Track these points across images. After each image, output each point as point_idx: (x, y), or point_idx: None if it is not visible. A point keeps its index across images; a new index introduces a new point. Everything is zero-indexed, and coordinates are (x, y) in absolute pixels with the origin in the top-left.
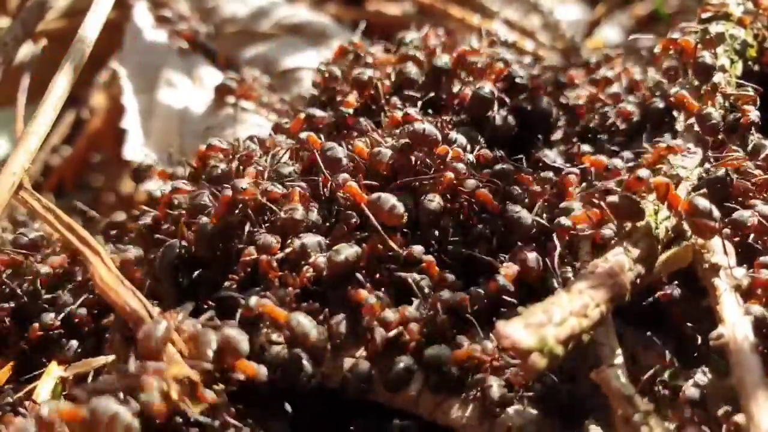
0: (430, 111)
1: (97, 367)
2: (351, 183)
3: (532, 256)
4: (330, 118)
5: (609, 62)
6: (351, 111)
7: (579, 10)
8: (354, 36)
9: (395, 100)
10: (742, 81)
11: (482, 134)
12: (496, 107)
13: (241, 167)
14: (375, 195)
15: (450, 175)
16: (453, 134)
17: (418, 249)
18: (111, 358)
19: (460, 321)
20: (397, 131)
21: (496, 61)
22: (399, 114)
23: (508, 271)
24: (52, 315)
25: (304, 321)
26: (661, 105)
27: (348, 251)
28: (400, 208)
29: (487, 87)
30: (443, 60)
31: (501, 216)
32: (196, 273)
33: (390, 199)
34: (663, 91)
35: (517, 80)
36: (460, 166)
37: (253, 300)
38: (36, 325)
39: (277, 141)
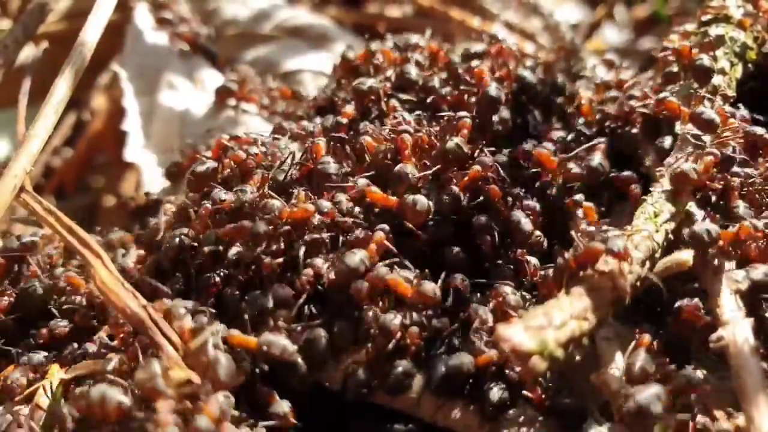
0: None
1: (98, 369)
2: (372, 188)
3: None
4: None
5: (608, 66)
6: (346, 121)
7: (579, 11)
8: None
9: (394, 102)
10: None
11: (484, 137)
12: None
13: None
14: (408, 198)
15: (477, 168)
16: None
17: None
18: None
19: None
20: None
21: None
22: (396, 118)
23: None
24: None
25: (273, 339)
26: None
27: (353, 259)
28: (431, 206)
29: (494, 87)
30: (478, 47)
31: (504, 220)
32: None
33: (422, 199)
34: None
35: (531, 89)
36: (487, 159)
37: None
38: (44, 330)
39: (276, 143)
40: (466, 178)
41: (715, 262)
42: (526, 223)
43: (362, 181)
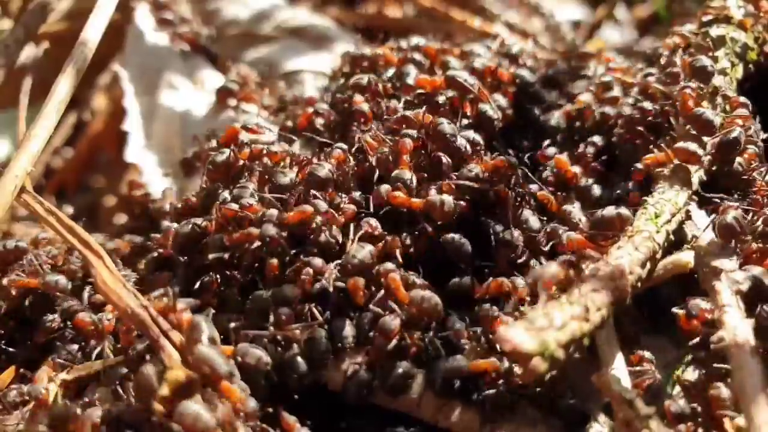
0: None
1: (98, 370)
2: (397, 192)
3: None
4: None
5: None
6: (364, 108)
7: (580, 12)
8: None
9: (394, 103)
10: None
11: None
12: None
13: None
14: (434, 198)
15: (501, 158)
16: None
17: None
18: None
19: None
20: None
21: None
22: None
23: None
24: (56, 320)
25: (249, 349)
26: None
27: (363, 253)
28: (457, 205)
29: (489, 108)
30: (517, 47)
31: (512, 219)
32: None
33: (448, 199)
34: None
35: (531, 88)
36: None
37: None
38: (41, 330)
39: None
40: (490, 163)
41: (715, 262)
42: (535, 222)
43: (384, 187)
